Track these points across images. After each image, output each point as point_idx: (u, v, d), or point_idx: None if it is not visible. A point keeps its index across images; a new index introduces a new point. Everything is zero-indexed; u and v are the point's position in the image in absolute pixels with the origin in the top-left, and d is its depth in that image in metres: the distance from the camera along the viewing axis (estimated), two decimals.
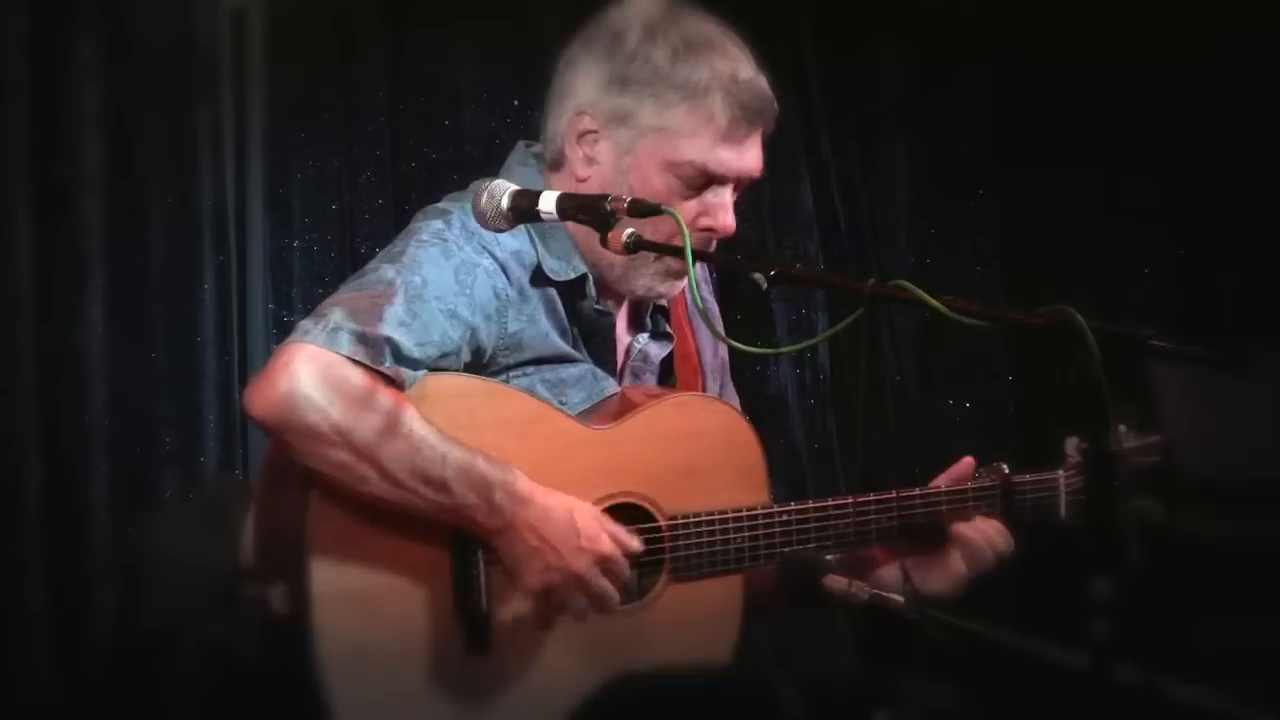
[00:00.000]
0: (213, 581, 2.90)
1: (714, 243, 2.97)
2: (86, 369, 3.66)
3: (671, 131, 2.90)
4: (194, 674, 2.95)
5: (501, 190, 2.77)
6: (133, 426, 3.71)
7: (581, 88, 2.94)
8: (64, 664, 3.60)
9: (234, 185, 3.84)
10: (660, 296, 3.02)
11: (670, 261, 2.91)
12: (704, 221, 2.93)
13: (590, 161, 2.94)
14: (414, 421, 2.72)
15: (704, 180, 2.93)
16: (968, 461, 3.05)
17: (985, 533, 3.00)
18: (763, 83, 2.95)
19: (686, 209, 2.91)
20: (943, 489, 3.01)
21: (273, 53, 3.86)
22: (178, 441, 3.75)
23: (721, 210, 2.94)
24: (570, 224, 2.84)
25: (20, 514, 3.58)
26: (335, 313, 2.74)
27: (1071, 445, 3.06)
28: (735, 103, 2.91)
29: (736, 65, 2.93)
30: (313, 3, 3.90)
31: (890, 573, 3.01)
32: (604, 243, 2.74)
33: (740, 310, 4.18)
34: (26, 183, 3.62)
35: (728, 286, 3.96)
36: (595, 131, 2.93)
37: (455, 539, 2.78)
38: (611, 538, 2.80)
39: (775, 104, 2.96)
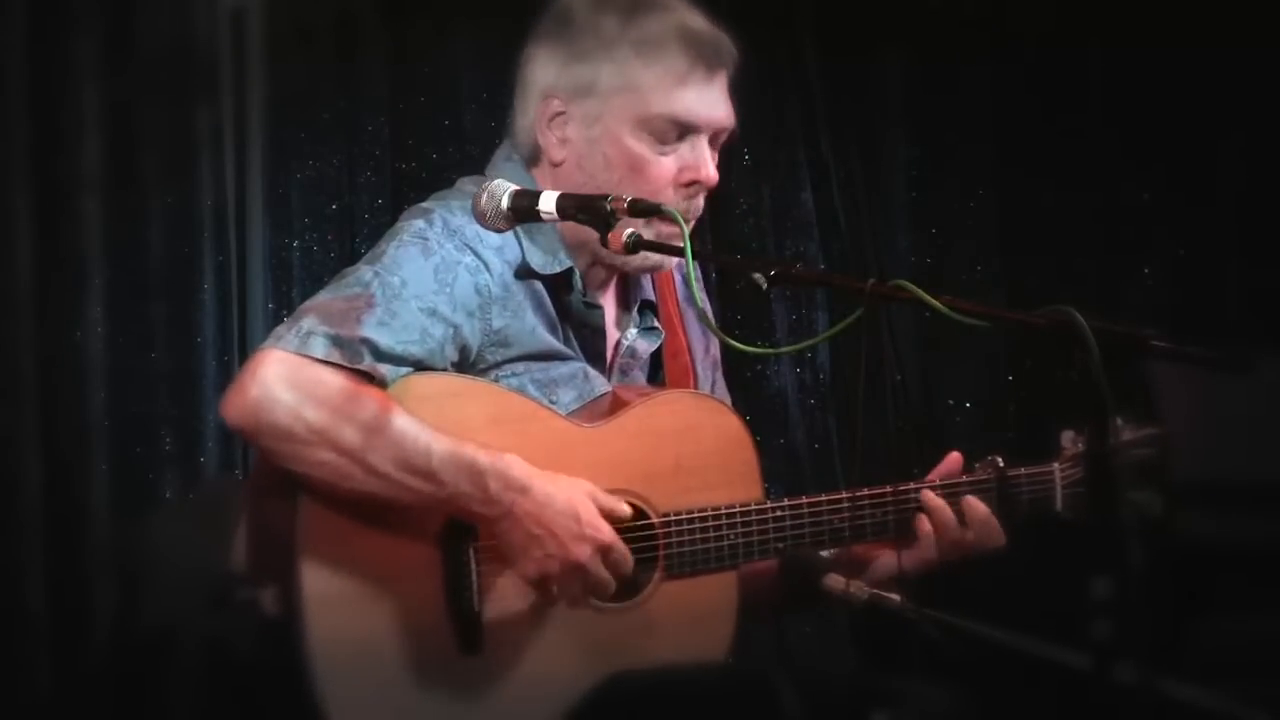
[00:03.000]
0: (208, 582, 2.90)
1: (701, 196, 2.96)
2: (86, 369, 3.67)
3: (634, 88, 2.91)
4: (189, 674, 2.95)
5: (501, 191, 2.78)
6: (133, 426, 3.72)
7: (541, 74, 2.95)
8: (64, 664, 3.60)
9: (234, 185, 3.84)
10: (657, 268, 3.02)
11: (662, 229, 2.89)
12: (686, 175, 2.93)
13: (563, 143, 2.95)
14: (397, 416, 2.72)
15: (676, 131, 2.93)
16: (955, 457, 3.04)
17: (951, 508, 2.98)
18: (714, 28, 2.96)
19: (666, 166, 2.92)
20: (937, 482, 3.00)
21: (273, 53, 3.86)
22: (178, 441, 3.75)
23: (701, 162, 2.94)
24: None
25: (20, 514, 3.59)
26: (308, 318, 2.74)
27: (1067, 438, 3.06)
28: (690, 45, 2.91)
29: (685, 15, 2.95)
30: (313, 3, 3.91)
31: (887, 563, 3.00)
32: (604, 243, 2.75)
33: (740, 310, 4.19)
34: (26, 183, 3.62)
35: (728, 286, 3.97)
36: (563, 112, 2.94)
37: (446, 538, 2.78)
38: (606, 511, 2.79)
39: (733, 46, 2.96)
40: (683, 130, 2.93)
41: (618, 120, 2.92)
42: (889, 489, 2.96)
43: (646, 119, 2.91)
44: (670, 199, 2.88)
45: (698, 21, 2.95)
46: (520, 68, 2.99)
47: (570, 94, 2.93)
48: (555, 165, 2.95)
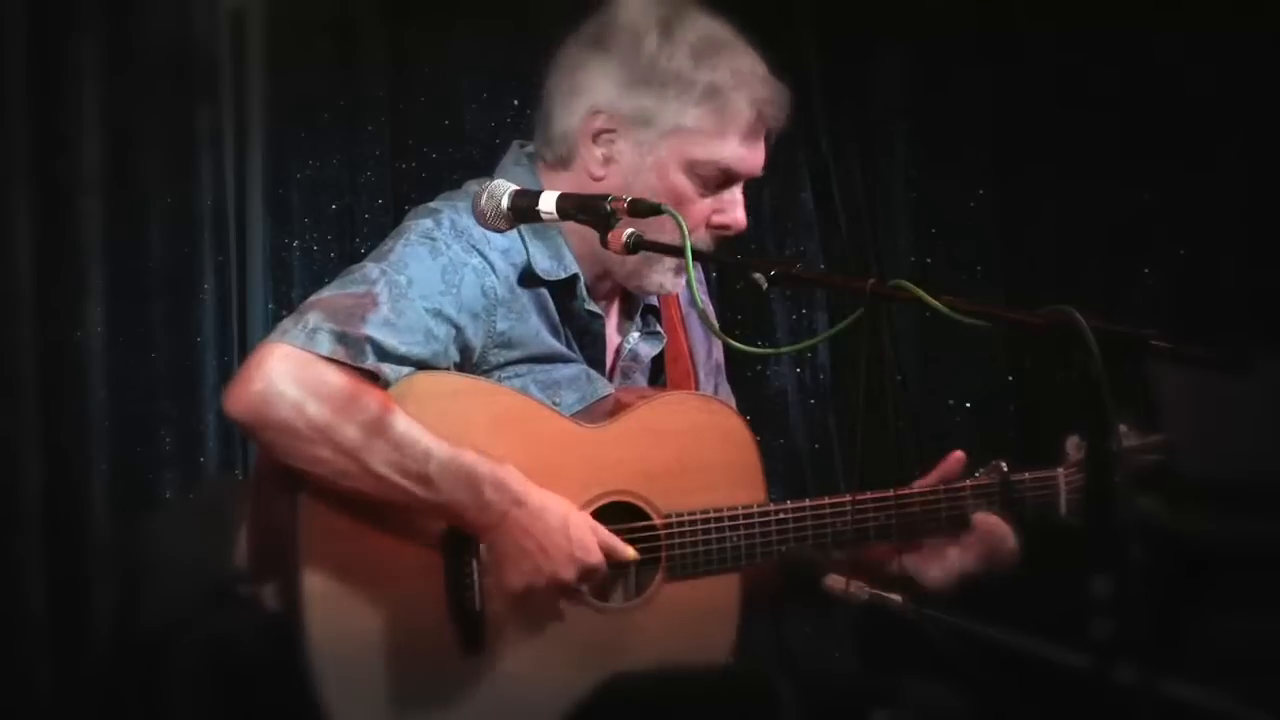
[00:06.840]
0: (209, 581, 2.90)
1: (720, 239, 2.98)
2: (86, 369, 3.67)
3: (695, 131, 2.91)
4: (190, 673, 2.95)
5: (501, 190, 2.77)
6: (133, 426, 3.72)
7: (597, 87, 2.93)
8: (64, 664, 3.61)
9: (234, 185, 3.85)
10: (670, 292, 3.02)
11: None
12: (718, 219, 2.94)
13: (608, 160, 2.94)
14: (397, 418, 2.72)
15: (723, 179, 2.94)
16: (957, 456, 3.04)
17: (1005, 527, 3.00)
18: (776, 80, 2.97)
19: (702, 206, 2.93)
20: (941, 488, 3.01)
21: (273, 53, 3.86)
22: (178, 441, 3.76)
23: (734, 206, 2.96)
24: (566, 224, 2.84)
25: (20, 514, 3.59)
26: (314, 313, 2.74)
27: (1071, 443, 3.06)
28: (758, 100, 2.93)
29: (754, 63, 2.95)
30: (312, 3, 3.91)
31: (892, 567, 3.00)
32: (604, 243, 2.74)
33: (740, 310, 4.18)
34: (26, 183, 3.62)
35: (728, 286, 3.96)
36: (613, 131, 2.93)
37: (448, 538, 2.78)
38: (605, 548, 2.80)
39: (788, 101, 2.98)
40: (727, 178, 2.94)
41: (671, 156, 2.92)
42: (891, 492, 2.97)
43: (696, 162, 2.92)
44: (701, 237, 2.89)
45: (761, 69, 2.96)
46: (566, 67, 2.97)
47: (627, 119, 2.92)
48: (595, 179, 2.94)
